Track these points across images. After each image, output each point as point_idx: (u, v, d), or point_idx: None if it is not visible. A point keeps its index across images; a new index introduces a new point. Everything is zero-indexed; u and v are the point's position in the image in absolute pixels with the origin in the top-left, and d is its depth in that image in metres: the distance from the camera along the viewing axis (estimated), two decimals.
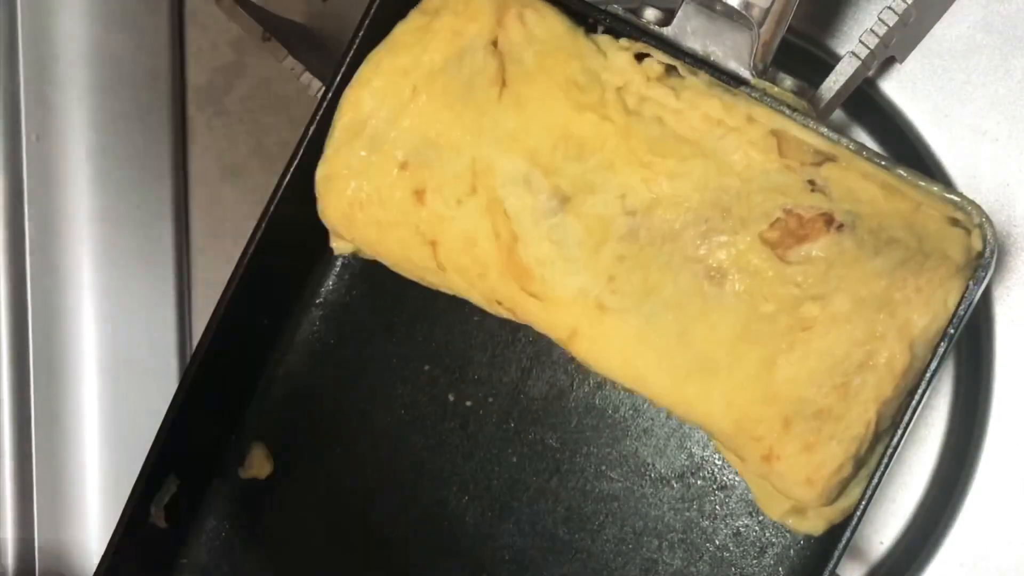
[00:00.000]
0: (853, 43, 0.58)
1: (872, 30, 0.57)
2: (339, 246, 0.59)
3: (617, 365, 0.54)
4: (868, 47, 0.57)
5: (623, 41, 0.54)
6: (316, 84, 0.62)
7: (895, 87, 0.63)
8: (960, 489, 0.64)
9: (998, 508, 0.63)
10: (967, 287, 0.50)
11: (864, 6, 0.64)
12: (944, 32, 0.63)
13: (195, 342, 0.73)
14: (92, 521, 0.74)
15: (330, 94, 0.56)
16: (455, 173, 0.54)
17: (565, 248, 0.53)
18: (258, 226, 0.57)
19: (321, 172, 0.56)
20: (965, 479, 0.63)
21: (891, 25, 0.57)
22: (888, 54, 0.61)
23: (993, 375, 0.63)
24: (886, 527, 0.64)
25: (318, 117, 0.56)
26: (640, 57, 0.53)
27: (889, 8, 0.57)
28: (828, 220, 0.51)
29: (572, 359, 0.57)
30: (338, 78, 0.56)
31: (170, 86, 0.74)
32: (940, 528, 0.64)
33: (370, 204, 0.55)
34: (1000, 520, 0.63)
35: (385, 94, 0.54)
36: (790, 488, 0.52)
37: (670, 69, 0.53)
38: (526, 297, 0.54)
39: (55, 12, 0.73)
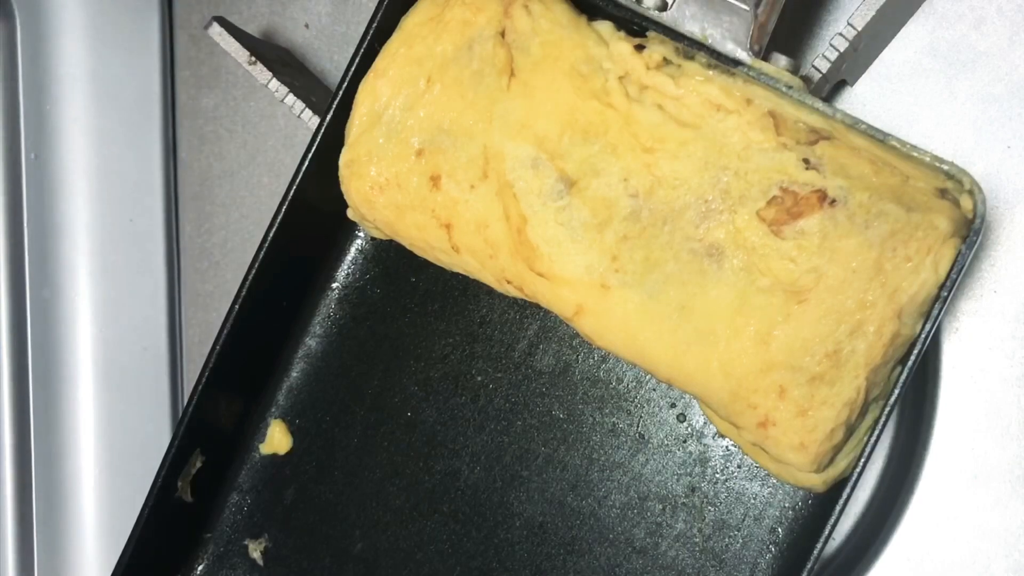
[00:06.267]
0: (806, 68, 0.60)
1: (824, 55, 0.59)
2: (359, 220, 0.60)
3: (620, 339, 0.56)
4: (820, 71, 0.59)
5: (622, 33, 0.56)
6: (300, 105, 0.64)
7: (846, 108, 0.64)
8: (907, 488, 0.65)
9: (944, 507, 0.65)
10: (959, 252, 0.52)
11: (817, 32, 0.66)
12: (892, 57, 0.65)
13: (185, 349, 0.76)
14: (89, 522, 0.75)
15: (345, 83, 0.58)
16: (468, 159, 0.56)
17: (571, 229, 0.55)
18: (278, 211, 0.59)
19: (344, 157, 0.58)
20: (912, 479, 0.65)
21: (842, 51, 0.59)
22: (840, 77, 0.63)
23: (940, 377, 0.65)
24: (837, 524, 0.64)
25: (334, 106, 0.58)
26: (641, 46, 0.55)
27: (840, 35, 0.59)
28: (822, 197, 0.53)
29: (577, 335, 0.59)
30: (353, 68, 0.58)
31: (161, 106, 0.76)
32: (888, 526, 0.65)
33: (389, 188, 0.57)
34: (945, 518, 0.65)
35: (401, 83, 0.56)
36: (784, 453, 0.54)
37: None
38: (534, 276, 0.56)
39: (53, 35, 0.74)
